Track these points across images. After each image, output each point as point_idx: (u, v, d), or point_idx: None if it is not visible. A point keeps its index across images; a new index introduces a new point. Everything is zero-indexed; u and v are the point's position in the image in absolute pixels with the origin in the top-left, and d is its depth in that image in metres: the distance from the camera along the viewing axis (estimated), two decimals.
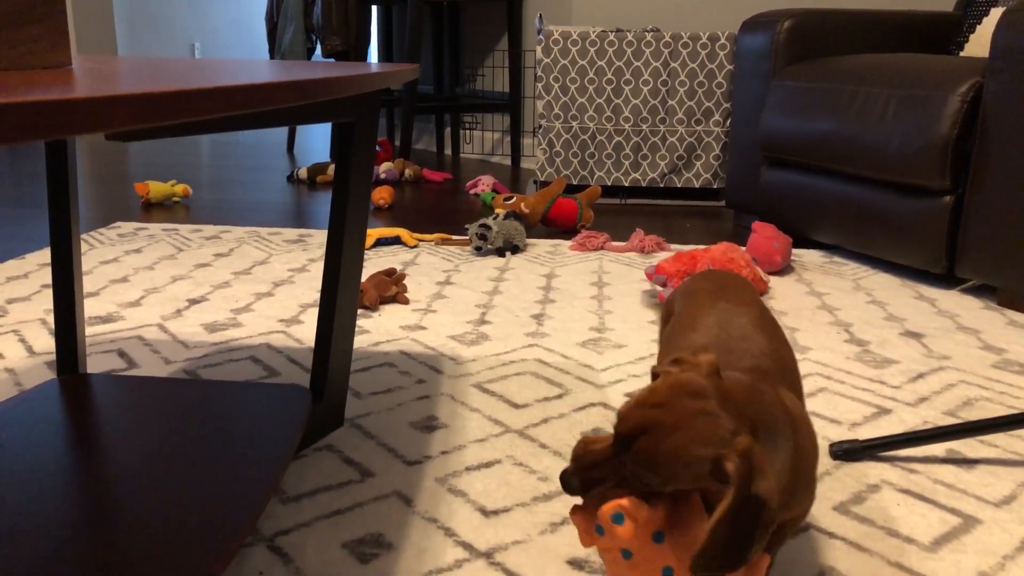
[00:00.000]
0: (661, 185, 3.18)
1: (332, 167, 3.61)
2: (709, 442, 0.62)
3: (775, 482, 0.61)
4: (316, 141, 5.33)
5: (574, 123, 3.18)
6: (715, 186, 3.17)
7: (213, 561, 0.76)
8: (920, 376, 1.45)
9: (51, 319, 1.64)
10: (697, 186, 3.17)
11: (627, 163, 3.18)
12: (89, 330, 1.60)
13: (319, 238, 2.48)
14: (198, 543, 0.79)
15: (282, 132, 5.63)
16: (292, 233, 2.55)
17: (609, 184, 3.20)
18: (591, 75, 3.13)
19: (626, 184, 3.20)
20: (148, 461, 0.94)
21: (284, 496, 1.01)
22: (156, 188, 2.98)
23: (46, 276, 1.97)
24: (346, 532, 0.94)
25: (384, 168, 3.63)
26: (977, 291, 2.00)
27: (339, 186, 1.11)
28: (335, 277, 1.13)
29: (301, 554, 0.89)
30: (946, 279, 2.07)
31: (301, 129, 5.71)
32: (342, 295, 1.15)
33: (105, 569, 0.75)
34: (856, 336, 1.66)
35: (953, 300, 1.93)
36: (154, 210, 2.90)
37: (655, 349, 1.56)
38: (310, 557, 0.89)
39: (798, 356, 1.53)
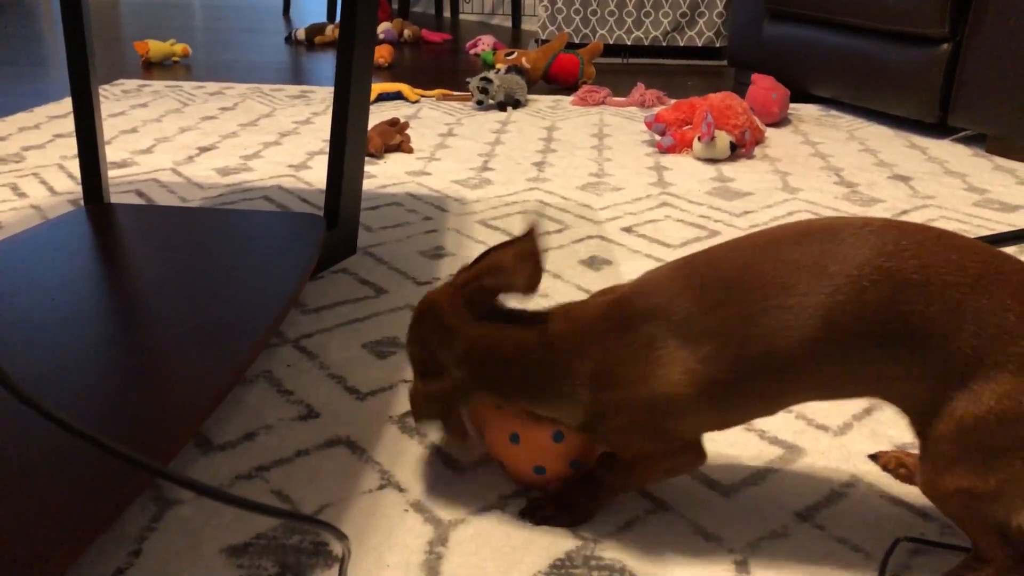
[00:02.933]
0: (663, 44, 3.16)
1: (330, 27, 3.56)
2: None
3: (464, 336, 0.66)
4: (311, 3, 5.21)
5: None
6: (717, 44, 3.15)
7: (245, 349, 0.85)
8: (904, 213, 1.52)
9: (68, 164, 1.70)
10: (700, 44, 3.14)
11: (630, 20, 3.14)
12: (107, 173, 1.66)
13: (321, 94, 2.50)
14: (229, 336, 0.88)
15: None
16: (294, 89, 2.56)
17: (611, 43, 3.17)
18: None
19: (628, 43, 3.17)
20: (176, 275, 1.02)
21: (305, 308, 1.10)
22: (156, 47, 2.96)
23: (58, 127, 2.01)
24: (364, 335, 1.03)
25: (383, 28, 3.58)
26: (968, 141, 2.04)
27: (346, 17, 1.14)
28: (345, 108, 1.18)
29: (324, 352, 0.99)
30: (939, 129, 2.11)
31: None
32: (352, 127, 1.20)
33: (146, 355, 0.84)
34: (846, 179, 1.72)
35: (944, 148, 1.98)
36: (154, 69, 2.89)
37: (652, 191, 1.62)
38: (332, 354, 0.98)
39: (789, 197, 1.60)
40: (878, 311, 0.58)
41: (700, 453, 0.68)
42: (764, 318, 0.60)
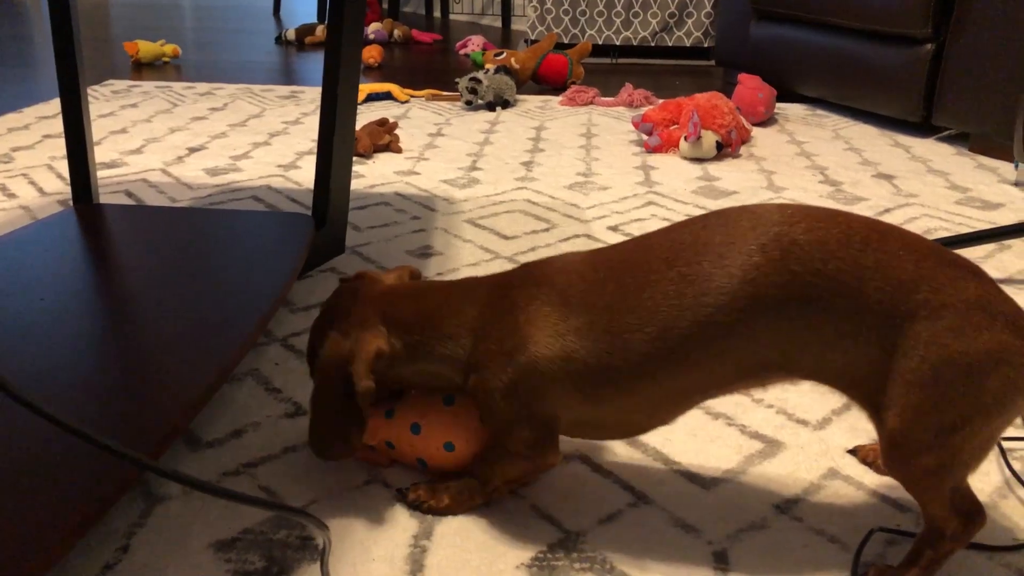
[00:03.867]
0: (652, 44, 3.17)
1: (320, 28, 3.57)
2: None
3: (356, 360, 0.66)
4: (301, 4, 5.22)
5: None
6: (705, 45, 3.17)
7: (234, 348, 0.86)
8: (887, 211, 1.54)
9: (57, 165, 1.70)
10: (688, 44, 3.16)
11: (618, 21, 3.16)
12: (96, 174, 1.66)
13: (311, 94, 2.50)
14: (217, 335, 0.88)
15: None
16: (284, 90, 2.57)
17: (600, 43, 3.19)
18: None
19: (617, 43, 3.19)
20: (165, 275, 1.03)
21: (294, 307, 1.11)
22: (145, 47, 2.96)
23: (47, 127, 2.01)
24: None
25: (372, 28, 3.59)
26: (951, 140, 2.06)
27: (334, 17, 1.15)
28: (332, 107, 1.19)
29: None
30: (923, 128, 2.13)
31: None
32: (340, 127, 1.21)
33: (135, 353, 0.84)
34: (831, 178, 1.74)
35: (927, 147, 2.00)
36: (144, 70, 2.89)
37: (639, 191, 1.64)
38: None
39: (775, 196, 1.62)
40: (769, 274, 0.59)
41: (554, 451, 0.68)
42: (644, 291, 0.61)
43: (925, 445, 0.58)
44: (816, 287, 0.58)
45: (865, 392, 0.60)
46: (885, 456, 0.61)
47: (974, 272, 0.59)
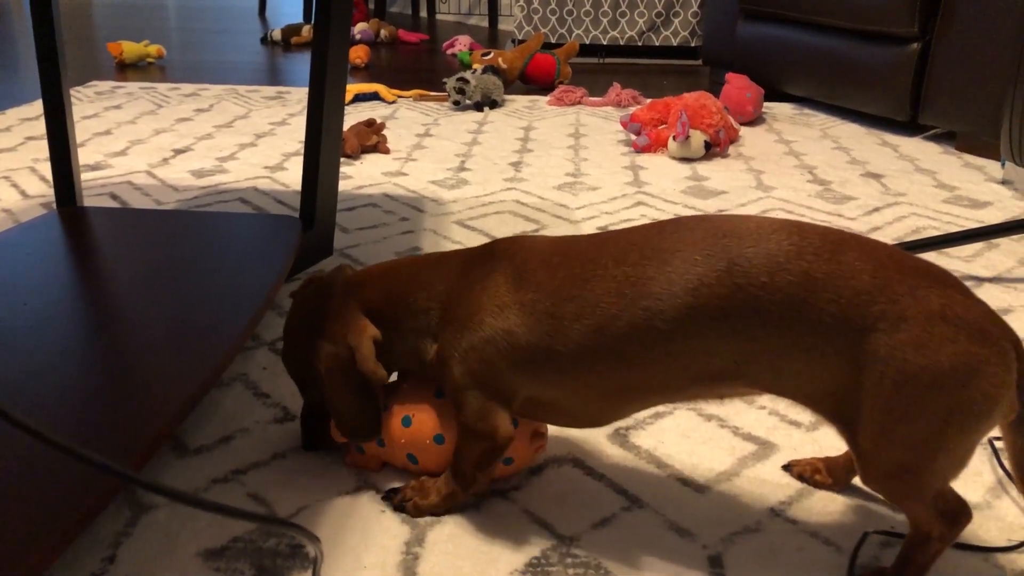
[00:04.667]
0: (639, 44, 3.17)
1: (306, 28, 3.55)
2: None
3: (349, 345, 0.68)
4: (287, 4, 5.19)
5: None
6: (692, 44, 3.17)
7: (221, 352, 0.85)
8: (876, 210, 1.54)
9: (40, 167, 1.68)
10: (675, 44, 3.16)
11: (605, 20, 3.16)
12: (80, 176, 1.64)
13: (297, 95, 2.49)
14: (204, 339, 0.87)
15: None
16: (270, 91, 2.55)
17: (587, 43, 3.19)
18: None
19: (604, 42, 3.19)
20: (150, 279, 1.02)
21: (281, 310, 1.10)
22: (129, 48, 2.94)
23: (29, 129, 1.99)
24: None
25: (359, 28, 3.57)
26: (938, 138, 2.07)
27: (320, 17, 1.14)
28: (319, 108, 1.18)
29: None
30: (910, 127, 2.14)
31: None
32: (327, 127, 1.20)
33: (120, 359, 0.83)
34: (819, 177, 1.74)
35: (915, 146, 2.00)
36: (128, 71, 2.87)
37: (628, 191, 1.63)
38: None
39: (763, 195, 1.62)
40: (712, 285, 0.58)
41: (503, 422, 0.67)
42: (588, 284, 0.62)
43: (896, 460, 0.57)
44: (763, 300, 0.57)
45: (831, 407, 0.59)
46: (860, 472, 0.61)
47: (938, 279, 0.57)
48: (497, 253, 0.69)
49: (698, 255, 0.59)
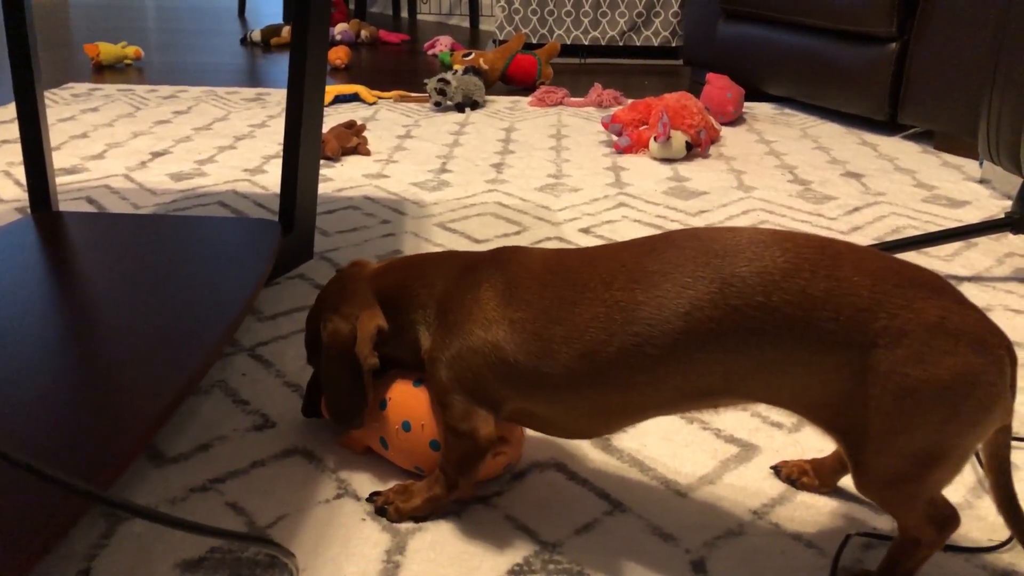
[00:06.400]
0: (620, 44, 3.18)
1: (286, 29, 3.53)
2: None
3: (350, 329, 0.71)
4: (267, 5, 5.16)
5: None
6: (673, 44, 3.18)
7: (199, 359, 0.84)
8: (856, 209, 1.55)
9: (15, 171, 1.66)
10: (656, 44, 3.17)
11: (586, 20, 3.16)
12: (56, 180, 1.62)
13: (277, 97, 2.47)
14: (182, 345, 0.86)
15: None
16: (250, 92, 2.53)
17: (568, 43, 3.19)
18: None
19: (585, 43, 3.19)
20: (127, 285, 1.00)
21: (261, 316, 1.09)
22: (107, 49, 2.90)
23: (3, 132, 1.96)
24: None
25: (339, 29, 3.56)
26: (917, 137, 2.09)
27: (299, 18, 1.13)
28: (299, 110, 1.17)
29: (281, 360, 0.97)
30: (889, 127, 2.15)
31: None
32: (306, 129, 1.19)
33: (96, 366, 0.82)
34: (800, 177, 1.75)
35: (894, 145, 2.02)
36: (105, 72, 2.84)
37: (609, 192, 1.63)
38: (289, 362, 0.97)
39: (744, 196, 1.62)
40: (704, 307, 0.57)
41: (485, 424, 0.66)
42: (577, 307, 0.62)
43: (894, 469, 0.58)
44: (759, 320, 0.56)
45: (827, 418, 0.59)
46: (856, 481, 0.60)
47: (934, 289, 0.56)
48: (495, 262, 0.69)
49: (689, 277, 0.58)
